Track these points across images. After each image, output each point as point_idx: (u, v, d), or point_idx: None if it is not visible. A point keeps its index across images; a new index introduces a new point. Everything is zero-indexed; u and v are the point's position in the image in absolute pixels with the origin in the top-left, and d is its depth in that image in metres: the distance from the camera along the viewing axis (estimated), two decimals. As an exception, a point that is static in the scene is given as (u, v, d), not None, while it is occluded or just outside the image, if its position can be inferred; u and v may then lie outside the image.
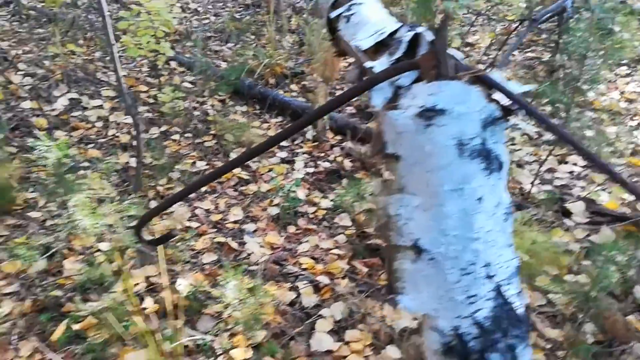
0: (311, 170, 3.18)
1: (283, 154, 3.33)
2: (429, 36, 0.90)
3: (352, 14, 1.22)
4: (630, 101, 4.07)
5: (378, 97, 0.89)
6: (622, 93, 4.22)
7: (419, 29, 0.90)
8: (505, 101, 0.86)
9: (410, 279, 0.91)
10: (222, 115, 3.74)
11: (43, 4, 5.53)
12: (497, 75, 0.89)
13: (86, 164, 2.99)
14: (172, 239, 1.13)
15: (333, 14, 1.31)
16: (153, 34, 3.47)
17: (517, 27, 3.87)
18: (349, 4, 1.31)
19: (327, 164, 3.25)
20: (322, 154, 3.37)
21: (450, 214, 0.86)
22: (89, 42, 4.76)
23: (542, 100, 3.71)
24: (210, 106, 3.87)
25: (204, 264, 2.26)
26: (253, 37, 5.26)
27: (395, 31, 0.97)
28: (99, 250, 2.26)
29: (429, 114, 0.81)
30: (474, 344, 0.87)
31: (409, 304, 0.92)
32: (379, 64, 0.92)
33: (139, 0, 3.43)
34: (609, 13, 5.12)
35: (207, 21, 5.80)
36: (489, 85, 0.84)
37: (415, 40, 0.90)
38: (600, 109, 3.94)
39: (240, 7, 6.26)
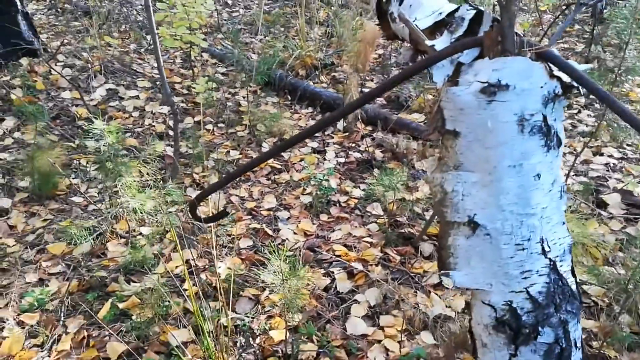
0: (342, 160, 3.20)
1: (314, 144, 3.35)
2: (488, 16, 0.91)
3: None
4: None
5: (439, 74, 0.91)
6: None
7: (481, 8, 0.91)
8: (565, 78, 0.87)
9: (464, 255, 0.93)
10: (254, 105, 3.78)
11: (79, -2, 5.67)
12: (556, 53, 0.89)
13: (124, 152, 3.08)
14: (223, 217, 1.17)
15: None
16: (188, 25, 3.53)
17: (564, 9, 3.78)
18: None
19: (358, 154, 3.26)
20: (353, 144, 3.39)
21: (508, 189, 0.87)
22: (124, 35, 4.87)
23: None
24: (242, 97, 3.92)
25: (241, 249, 2.31)
26: (282, 29, 5.29)
27: (454, 11, 0.98)
28: (141, 234, 2.33)
29: (492, 90, 0.83)
30: (527, 318, 0.89)
31: (461, 280, 0.94)
32: (440, 42, 0.93)
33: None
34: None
35: (236, 14, 5.86)
36: (552, 62, 0.85)
37: (475, 19, 0.91)
38: (637, 101, 3.84)
39: (269, 0, 6.30)
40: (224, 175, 1.17)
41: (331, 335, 1.86)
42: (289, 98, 3.90)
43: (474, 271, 0.93)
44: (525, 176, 0.86)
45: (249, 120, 3.55)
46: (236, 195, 2.76)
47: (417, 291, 2.18)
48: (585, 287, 2.20)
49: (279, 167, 3.08)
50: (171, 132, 3.35)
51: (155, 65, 3.76)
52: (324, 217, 2.64)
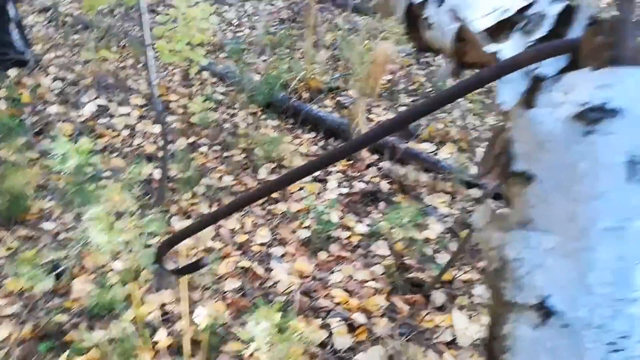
0: (345, 190, 2.93)
1: (315, 172, 3.08)
2: (585, 11, 0.64)
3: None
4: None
5: (508, 91, 0.63)
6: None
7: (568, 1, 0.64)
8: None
9: (528, 352, 0.64)
10: (254, 128, 3.54)
11: (80, 11, 5.52)
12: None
13: (108, 173, 2.81)
14: (199, 270, 0.91)
15: (417, 0, 1.05)
16: (188, 40, 3.32)
17: None
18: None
19: (362, 185, 2.99)
20: (358, 174, 3.12)
21: (603, 263, 0.58)
22: (123, 50, 4.68)
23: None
24: (242, 119, 3.68)
25: (226, 292, 2.01)
26: (287, 50, 5.10)
27: (528, 6, 0.71)
28: (112, 270, 2.03)
29: (594, 116, 0.55)
30: None
31: (525, 390, 0.64)
32: (510, 47, 0.66)
33: (176, 6, 3.28)
34: None
35: (241, 33, 5.69)
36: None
37: (561, 18, 0.64)
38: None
39: (275, 22, 6.15)
40: (200, 219, 0.90)
41: (327, 407, 1.54)
42: (291, 122, 3.65)
43: (543, 378, 0.63)
44: (629, 244, 0.58)
45: (247, 144, 3.29)
46: (226, 228, 2.47)
47: (428, 349, 1.88)
48: None
49: (275, 196, 2.80)
50: (162, 153, 3.08)
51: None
52: (322, 255, 2.35)
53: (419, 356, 1.83)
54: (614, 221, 0.57)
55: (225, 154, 3.22)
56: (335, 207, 2.64)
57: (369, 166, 3.19)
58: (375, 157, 3.27)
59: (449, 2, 0.91)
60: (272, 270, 2.18)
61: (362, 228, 2.59)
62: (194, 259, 2.13)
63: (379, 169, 3.15)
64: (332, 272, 2.25)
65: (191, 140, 3.34)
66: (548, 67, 0.62)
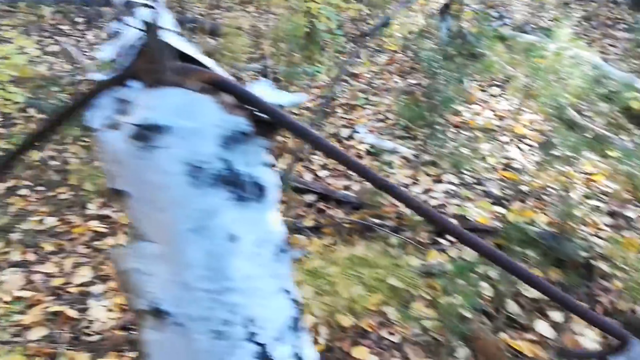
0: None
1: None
2: (172, 39, 0.72)
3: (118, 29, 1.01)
4: (502, 118, 4.29)
5: (97, 116, 0.68)
6: (494, 112, 4.44)
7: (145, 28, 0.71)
8: (264, 114, 0.69)
9: (158, 355, 0.69)
10: (86, 162, 3.35)
11: None
12: (262, 85, 0.72)
13: None
14: None
15: (111, 28, 1.09)
16: (-2, 79, 3.07)
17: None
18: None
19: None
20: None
21: (194, 261, 0.66)
22: None
23: (419, 122, 3.73)
24: (72, 153, 3.47)
25: (30, 341, 1.87)
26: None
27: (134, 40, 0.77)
28: None
29: (146, 134, 0.62)
30: None
31: (160, 388, 0.70)
32: (101, 74, 0.72)
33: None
34: (480, 38, 5.45)
35: (80, 65, 5.37)
36: (228, 91, 0.67)
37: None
38: (476, 128, 4.09)
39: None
40: None
41: None
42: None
43: (173, 374, 0.69)
44: (215, 240, 0.66)
45: (76, 180, 3.11)
46: (41, 272, 2.31)
47: None
48: (426, 322, 2.11)
49: (103, 230, 2.68)
50: (-30, 203, 2.80)
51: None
52: (151, 284, 2.29)
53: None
54: (194, 222, 0.65)
55: (50, 194, 3.01)
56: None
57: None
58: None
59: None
60: (88, 309, 2.08)
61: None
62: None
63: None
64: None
65: (10, 184, 3.07)
66: (134, 91, 0.68)
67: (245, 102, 0.66)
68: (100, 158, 0.67)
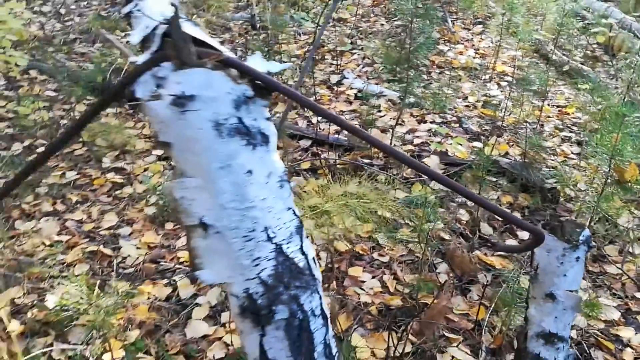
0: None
1: (159, 152, 3.28)
2: (188, 27, 0.96)
3: (138, 10, 1.24)
4: (483, 56, 4.48)
5: (142, 90, 0.94)
6: (476, 50, 4.62)
7: (167, 22, 0.95)
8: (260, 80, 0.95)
9: (205, 254, 0.99)
10: (93, 120, 3.59)
11: None
12: (255, 58, 0.98)
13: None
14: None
15: (125, 10, 1.33)
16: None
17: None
18: (137, -1, 1.34)
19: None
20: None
21: (224, 189, 0.94)
22: None
23: (404, 65, 3.95)
24: (79, 112, 3.69)
25: (76, 275, 2.21)
26: (123, 34, 5.04)
27: (155, 28, 1.02)
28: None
29: (181, 101, 0.88)
30: (262, 301, 0.98)
31: (207, 277, 1.00)
32: (141, 58, 0.97)
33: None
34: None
35: (70, 22, 5.45)
36: (233, 67, 0.92)
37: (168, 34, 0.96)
38: (458, 67, 4.29)
39: (107, 4, 5.95)
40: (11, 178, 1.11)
41: (170, 343, 1.87)
42: (130, 107, 3.76)
43: (215, 268, 0.99)
44: (236, 174, 0.93)
45: (87, 136, 3.36)
46: (72, 220, 2.62)
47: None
48: (411, 245, 2.45)
49: (120, 181, 2.97)
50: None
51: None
52: (169, 225, 2.61)
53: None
54: (221, 162, 0.92)
55: (66, 151, 3.27)
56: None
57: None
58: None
59: (137, 15, 1.20)
60: (120, 248, 2.41)
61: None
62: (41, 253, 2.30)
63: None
64: (179, 238, 2.53)
65: (27, 143, 3.32)
66: (165, 70, 0.93)
67: (245, 73, 0.92)
68: (148, 120, 0.93)
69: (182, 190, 0.96)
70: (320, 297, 1.07)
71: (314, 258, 1.06)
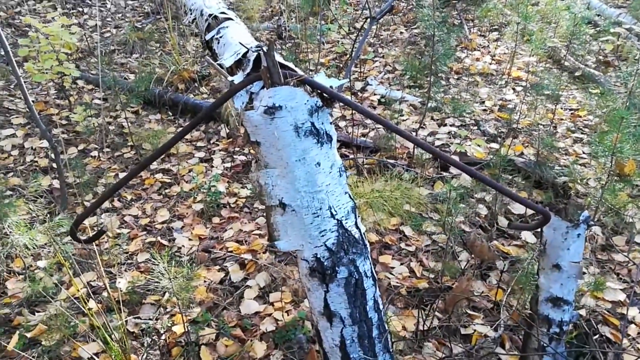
0: (229, 164, 3.48)
1: (201, 154, 3.59)
2: (275, 55, 1.25)
3: (220, 37, 1.55)
4: (499, 63, 4.71)
5: (238, 101, 1.23)
6: (493, 57, 4.86)
7: (257, 51, 1.25)
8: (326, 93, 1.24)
9: (282, 228, 1.28)
10: (137, 126, 3.92)
11: None
12: (320, 76, 1.26)
13: (9, 192, 3.10)
14: (102, 236, 1.39)
15: (208, 37, 1.63)
16: (55, 57, 3.57)
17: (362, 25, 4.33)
18: (218, 27, 1.64)
19: (243, 157, 3.55)
20: (238, 149, 3.67)
21: (299, 177, 1.22)
22: (-12, 72, 4.70)
23: (425, 71, 4.22)
24: (124, 119, 4.03)
25: (139, 263, 2.52)
26: (157, 44, 5.40)
27: (246, 53, 1.31)
28: (37, 268, 2.44)
29: (271, 111, 1.17)
30: (327, 263, 1.26)
31: (284, 246, 1.29)
32: (237, 77, 1.26)
33: (34, 25, 3.50)
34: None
35: (108, 34, 5.83)
36: (309, 85, 1.21)
37: (258, 59, 1.25)
38: (475, 73, 4.54)
39: (140, 16, 6.33)
40: (96, 199, 1.41)
41: (227, 318, 2.16)
42: (171, 113, 4.08)
43: (290, 238, 1.28)
44: (309, 165, 1.22)
45: (134, 141, 3.69)
46: (129, 215, 2.94)
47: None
48: (435, 237, 2.70)
49: (168, 181, 3.29)
50: (55, 165, 3.40)
51: (28, 100, 3.74)
52: (215, 220, 2.91)
53: (293, 272, 2.50)
54: (298, 156, 1.21)
55: (116, 154, 3.60)
56: (219, 180, 3.19)
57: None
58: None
59: (222, 42, 1.50)
60: (175, 239, 2.71)
61: (245, 192, 3.18)
62: (106, 244, 2.60)
63: (254, 140, 3.72)
64: (225, 231, 2.82)
65: (81, 147, 3.66)
66: (256, 87, 1.22)
67: (315, 88, 1.20)
68: (244, 125, 1.22)
69: (267, 177, 1.25)
70: (370, 263, 1.35)
71: (365, 232, 1.33)
